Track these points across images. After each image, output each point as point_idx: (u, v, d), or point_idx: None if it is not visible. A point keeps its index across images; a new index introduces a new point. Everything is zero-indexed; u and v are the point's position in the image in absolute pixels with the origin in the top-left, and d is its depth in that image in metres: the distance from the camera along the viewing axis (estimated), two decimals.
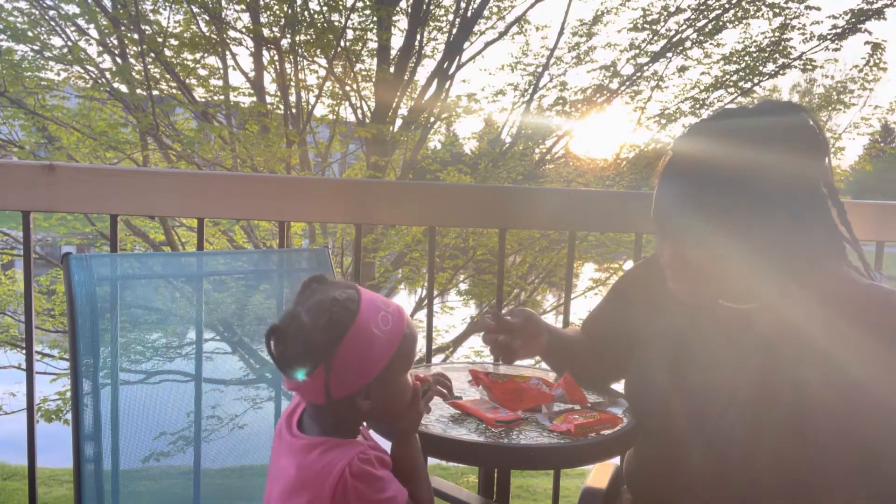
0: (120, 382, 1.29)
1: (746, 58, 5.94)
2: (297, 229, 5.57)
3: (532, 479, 6.17)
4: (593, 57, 6.19)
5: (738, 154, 1.04)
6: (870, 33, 5.71)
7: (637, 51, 6.01)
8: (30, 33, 4.75)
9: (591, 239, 5.80)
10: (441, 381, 1.20)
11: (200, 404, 1.42)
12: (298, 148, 5.40)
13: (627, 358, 1.31)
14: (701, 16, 5.86)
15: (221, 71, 5.78)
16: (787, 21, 5.78)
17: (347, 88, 5.69)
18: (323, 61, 5.38)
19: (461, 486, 1.40)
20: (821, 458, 1.01)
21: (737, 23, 5.88)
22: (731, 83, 5.97)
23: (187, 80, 5.30)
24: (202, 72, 5.57)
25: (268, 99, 5.87)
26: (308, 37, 5.26)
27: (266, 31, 5.42)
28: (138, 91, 4.82)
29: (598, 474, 1.37)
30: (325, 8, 5.35)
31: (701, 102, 6.04)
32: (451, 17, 6.14)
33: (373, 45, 5.94)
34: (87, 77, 5.28)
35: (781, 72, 5.95)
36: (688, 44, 5.94)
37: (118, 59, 5.26)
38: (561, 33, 6.15)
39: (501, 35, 6.33)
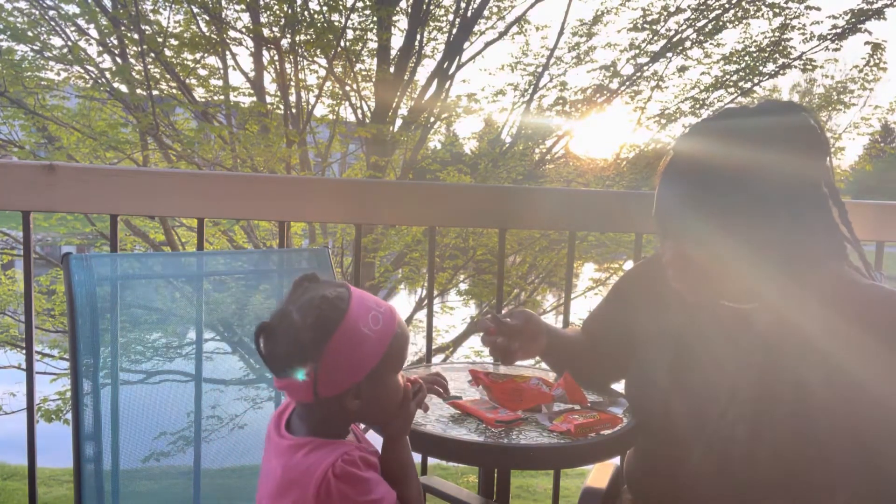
0: (120, 382, 1.29)
1: (746, 58, 5.94)
2: (297, 229, 5.57)
3: (532, 479, 6.17)
4: (593, 57, 6.20)
5: (739, 154, 1.04)
6: (870, 33, 5.72)
7: (637, 51, 6.01)
8: (30, 33, 4.75)
9: (591, 239, 5.80)
10: (437, 380, 1.20)
11: (200, 404, 1.42)
12: (298, 148, 5.40)
13: (628, 358, 1.31)
14: (701, 16, 5.86)
15: (221, 71, 5.78)
16: (787, 21, 5.78)
17: (347, 88, 5.69)
18: (323, 61, 5.38)
19: (461, 486, 1.40)
20: (821, 457, 1.01)
21: (737, 23, 5.88)
22: (731, 83, 5.97)
23: (187, 80, 5.30)
24: (202, 72, 5.58)
25: (268, 99, 5.87)
26: (308, 37, 5.26)
27: (266, 31, 5.42)
28: (138, 91, 4.82)
29: (598, 474, 1.37)
30: (325, 8, 5.36)
31: (701, 102, 6.04)
32: (451, 17, 6.15)
33: (373, 45, 5.94)
34: (87, 77, 5.28)
35: (781, 72, 5.95)
36: (688, 44, 5.94)
37: (118, 59, 5.26)
38: (561, 33, 6.16)
39: (501, 35, 6.33)
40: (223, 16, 5.53)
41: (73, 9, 5.02)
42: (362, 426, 1.05)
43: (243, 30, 5.57)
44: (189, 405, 1.41)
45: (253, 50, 5.78)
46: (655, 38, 5.95)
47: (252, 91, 5.86)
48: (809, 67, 5.90)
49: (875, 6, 5.52)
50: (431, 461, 2.01)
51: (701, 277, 1.10)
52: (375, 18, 5.63)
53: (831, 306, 1.03)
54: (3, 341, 5.55)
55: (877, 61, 5.95)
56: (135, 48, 5.04)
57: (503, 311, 1.52)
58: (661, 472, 1.19)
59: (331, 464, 0.88)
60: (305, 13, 5.31)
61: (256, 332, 0.90)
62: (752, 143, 1.04)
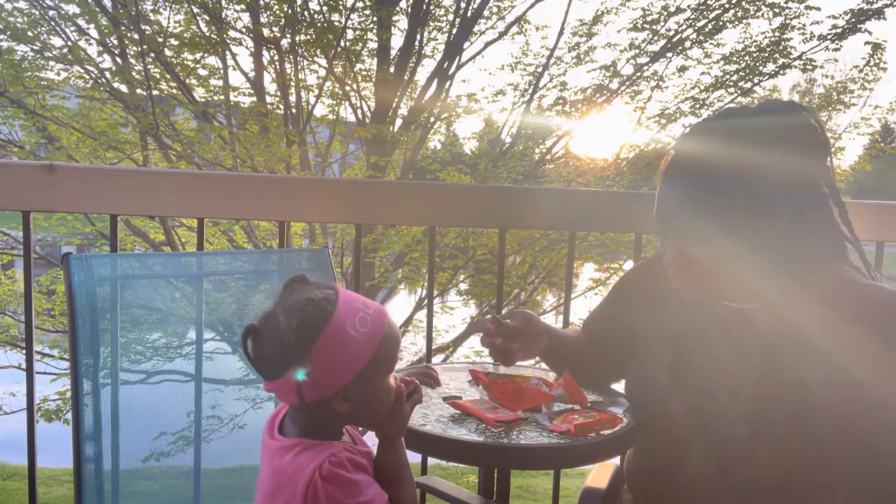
0: (120, 382, 1.29)
1: (746, 58, 5.93)
2: (297, 229, 5.57)
3: (532, 479, 6.17)
4: (593, 57, 6.20)
5: (739, 154, 1.04)
6: (870, 33, 5.71)
7: (637, 51, 6.01)
8: (30, 33, 4.75)
9: (591, 239, 5.80)
10: (426, 373, 1.19)
11: (200, 404, 1.42)
12: (298, 148, 5.40)
13: (628, 358, 1.31)
14: (701, 16, 5.86)
15: (221, 71, 5.78)
16: (787, 21, 5.78)
17: (347, 88, 5.69)
18: (323, 61, 5.38)
19: (461, 486, 1.40)
20: (821, 457, 1.01)
21: (737, 23, 5.88)
22: (731, 83, 5.97)
23: (187, 80, 5.30)
24: (202, 72, 5.57)
25: (268, 99, 5.87)
26: (308, 37, 5.26)
27: (266, 31, 5.42)
28: (138, 91, 4.82)
29: (598, 474, 1.37)
30: (325, 8, 5.36)
31: (701, 102, 6.04)
32: (451, 17, 6.14)
33: (373, 45, 5.94)
34: (87, 77, 5.28)
35: (781, 72, 5.95)
36: (688, 44, 5.94)
37: (118, 59, 5.26)
38: (561, 33, 6.16)
39: (501, 35, 6.33)
40: (223, 16, 5.53)
41: (73, 9, 5.02)
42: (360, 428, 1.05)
43: (243, 30, 5.57)
44: (189, 405, 1.41)
45: (253, 50, 5.78)
46: (655, 38, 5.95)
47: (252, 91, 5.86)
48: (809, 67, 5.90)
49: (875, 6, 5.52)
50: (431, 461, 2.01)
51: (702, 277, 1.10)
52: (375, 18, 5.63)
53: (832, 306, 1.03)
54: (3, 341, 5.55)
55: (877, 61, 5.95)
56: (135, 48, 5.04)
57: (503, 312, 1.52)
58: (661, 472, 1.19)
59: (318, 465, 0.87)
60: (305, 13, 5.31)
61: (243, 335, 0.89)
62: (753, 143, 1.04)
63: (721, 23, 5.83)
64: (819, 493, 1.02)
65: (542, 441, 1.10)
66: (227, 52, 5.68)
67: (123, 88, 4.95)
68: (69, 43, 5.09)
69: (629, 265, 4.68)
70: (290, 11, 5.13)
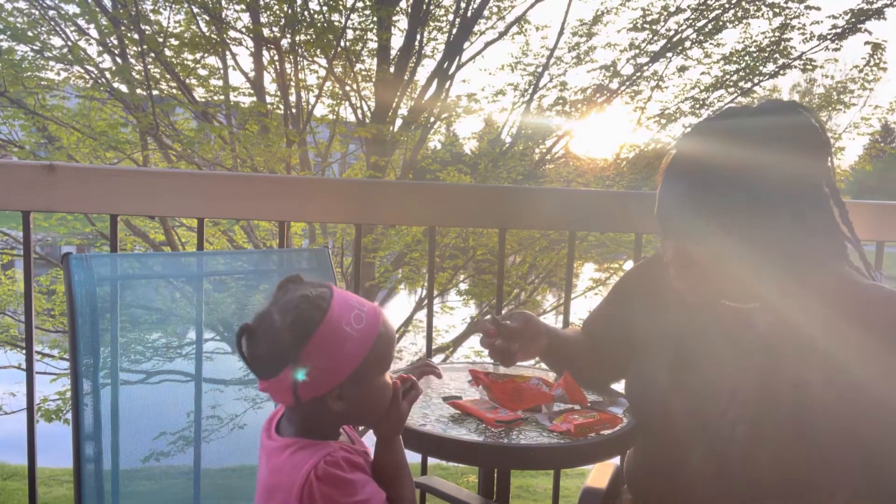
0: (120, 382, 1.29)
1: (746, 58, 5.93)
2: (297, 229, 5.57)
3: (532, 479, 6.17)
4: (593, 57, 6.20)
5: (740, 153, 1.04)
6: (870, 33, 5.71)
7: (637, 51, 6.01)
8: (30, 33, 4.75)
9: (591, 239, 5.80)
10: (425, 370, 1.19)
11: (200, 404, 1.42)
12: (298, 148, 5.40)
13: (628, 358, 1.31)
14: (701, 16, 5.85)
15: (221, 71, 5.78)
16: (787, 21, 5.78)
17: (347, 88, 5.69)
18: (323, 61, 5.38)
19: (461, 486, 1.40)
20: (822, 458, 1.01)
21: (737, 23, 5.88)
22: (731, 83, 5.97)
23: (187, 80, 5.29)
24: (202, 72, 5.57)
25: (268, 99, 5.87)
26: (308, 37, 5.25)
27: (266, 31, 5.42)
28: (138, 91, 4.82)
29: (598, 474, 1.37)
30: (325, 8, 5.35)
31: (701, 102, 6.04)
32: (451, 17, 6.14)
33: (373, 45, 5.94)
34: (87, 77, 5.28)
35: (781, 72, 5.95)
36: (688, 44, 5.94)
37: (118, 59, 5.26)
38: (561, 33, 6.16)
39: (501, 35, 6.33)
40: (223, 16, 5.52)
41: (73, 9, 5.02)
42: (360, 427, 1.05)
43: (243, 30, 5.57)
44: (189, 405, 1.41)
45: (253, 50, 5.78)
46: (655, 38, 5.95)
47: (252, 91, 5.86)
48: (809, 67, 5.90)
49: (875, 6, 5.52)
50: (431, 461, 2.01)
51: (702, 277, 1.10)
52: (375, 18, 5.63)
53: (832, 306, 1.03)
54: (3, 341, 5.55)
55: (877, 61, 5.95)
56: (135, 48, 5.04)
57: (503, 312, 1.52)
58: (661, 473, 1.19)
59: (313, 465, 0.87)
60: (305, 13, 5.31)
61: (238, 334, 0.89)
62: (754, 143, 1.04)
63: (721, 23, 5.83)
64: (819, 493, 1.02)
65: (542, 441, 1.10)
66: (227, 52, 5.69)
67: (123, 88, 4.95)
68: (69, 43, 5.09)
69: (629, 265, 4.68)
70: (290, 11, 5.13)
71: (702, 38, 5.91)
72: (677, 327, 1.21)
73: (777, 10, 5.73)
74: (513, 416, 1.16)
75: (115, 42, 5.21)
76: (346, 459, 0.90)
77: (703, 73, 6.09)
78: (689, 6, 5.85)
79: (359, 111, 5.91)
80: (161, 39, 4.99)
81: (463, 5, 6.02)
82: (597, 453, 1.15)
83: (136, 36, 4.76)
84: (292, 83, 5.53)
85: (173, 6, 5.30)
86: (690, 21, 5.88)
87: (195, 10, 5.28)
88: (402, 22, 5.96)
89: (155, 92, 4.83)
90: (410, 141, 6.21)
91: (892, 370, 0.97)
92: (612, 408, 1.25)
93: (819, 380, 1.01)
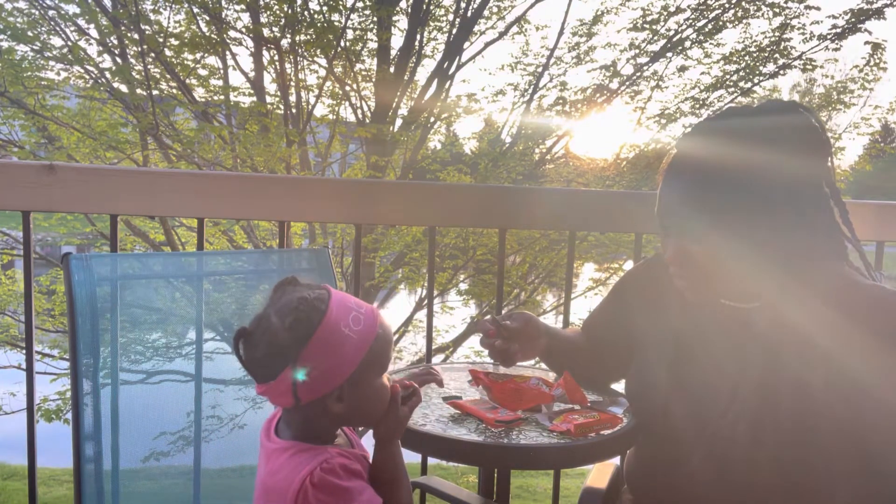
0: (120, 382, 1.29)
1: (746, 58, 5.94)
2: (297, 229, 5.57)
3: (532, 479, 6.17)
4: (593, 57, 6.20)
5: (741, 152, 1.04)
6: (870, 33, 5.72)
7: (637, 51, 6.01)
8: (30, 33, 4.75)
9: (591, 239, 5.80)
10: (428, 375, 1.19)
11: (200, 404, 1.42)
12: (298, 148, 5.40)
13: (628, 358, 1.31)
14: (701, 16, 5.86)
15: (221, 71, 5.78)
16: (787, 21, 5.78)
17: (347, 88, 5.69)
18: (323, 61, 5.38)
19: (461, 486, 1.39)
20: (822, 459, 1.00)
21: (737, 23, 5.88)
22: (731, 83, 5.97)
23: (187, 80, 5.29)
24: (202, 72, 5.57)
25: (268, 99, 5.87)
26: (308, 37, 5.26)
27: (266, 31, 5.42)
28: (138, 91, 4.82)
29: (598, 474, 1.37)
30: (325, 8, 5.36)
31: (701, 102, 6.04)
32: (451, 17, 6.15)
33: (373, 45, 5.94)
34: (87, 77, 5.28)
35: (781, 72, 5.95)
36: (688, 44, 5.94)
37: (118, 59, 5.26)
38: (561, 33, 6.16)
39: (501, 35, 6.33)
40: (223, 16, 5.52)
41: (73, 9, 5.02)
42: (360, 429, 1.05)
43: (243, 30, 5.57)
44: (189, 405, 1.41)
45: (253, 50, 5.78)
46: (655, 38, 5.96)
47: (252, 91, 5.86)
48: (809, 67, 5.91)
49: (875, 6, 5.52)
50: (431, 461, 2.02)
51: (702, 275, 1.10)
52: (375, 18, 5.63)
53: (832, 306, 1.03)
54: (3, 341, 5.55)
55: (877, 61, 5.95)
56: (135, 48, 5.04)
57: (503, 312, 1.52)
58: (662, 473, 1.19)
59: (309, 472, 0.87)
60: (305, 13, 5.31)
61: (235, 338, 0.89)
62: (755, 143, 1.04)
63: (721, 23, 5.84)
64: (819, 494, 1.02)
65: (542, 441, 1.10)
66: (227, 52, 5.69)
67: (123, 88, 4.95)
68: (69, 43, 5.08)
69: (629, 265, 4.68)
70: (290, 11, 5.13)
71: (702, 38, 5.91)
72: (677, 327, 1.21)
73: (777, 10, 5.73)
74: (513, 416, 1.16)
75: (115, 42, 5.21)
76: (343, 466, 0.89)
77: (703, 73, 6.10)
78: (689, 6, 5.86)
79: (359, 111, 5.91)
80: (161, 39, 4.99)
81: (463, 5, 6.02)
82: (597, 453, 1.15)
83: (136, 36, 4.76)
84: (292, 83, 5.54)
85: (173, 6, 5.30)
86: (690, 21, 5.88)
87: (195, 10, 5.28)
88: (402, 22, 5.97)
89: (155, 92, 4.83)
90: (410, 141, 6.21)
91: (893, 370, 0.97)
92: (612, 408, 1.25)
93: (819, 380, 1.01)
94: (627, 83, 6.11)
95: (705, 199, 1.05)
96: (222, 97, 5.72)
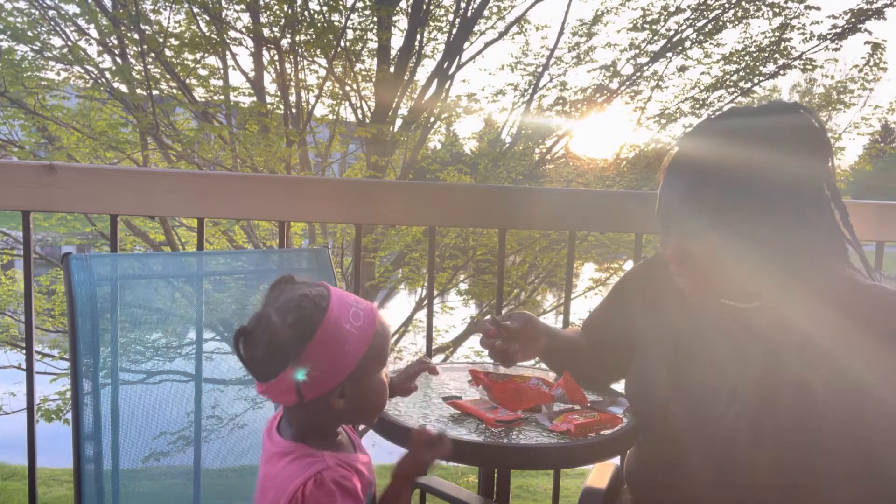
0: (120, 382, 1.29)
1: (746, 58, 5.94)
2: (297, 229, 5.57)
3: (532, 479, 6.17)
4: (593, 57, 6.20)
5: (743, 152, 1.04)
6: (870, 33, 5.72)
7: (637, 51, 6.01)
8: (30, 33, 4.74)
9: (591, 239, 5.80)
10: (422, 366, 1.20)
11: (200, 404, 1.42)
12: (298, 148, 5.40)
13: (628, 358, 1.31)
14: (701, 16, 5.86)
15: (221, 71, 5.78)
16: (787, 21, 5.78)
17: (347, 88, 5.69)
18: (323, 61, 5.38)
19: (461, 486, 1.39)
20: (822, 460, 1.00)
21: (737, 23, 5.88)
22: (731, 83, 5.97)
23: (187, 80, 5.29)
24: (202, 72, 5.57)
25: (268, 99, 5.87)
26: (308, 37, 5.25)
27: (266, 31, 5.42)
28: (138, 91, 4.82)
29: (598, 474, 1.37)
30: (325, 8, 5.35)
31: (701, 102, 6.04)
32: (451, 17, 6.14)
33: (373, 45, 5.94)
34: (87, 77, 5.28)
35: (781, 72, 5.95)
36: (688, 44, 5.94)
37: (118, 59, 5.26)
38: (561, 33, 6.16)
39: (501, 35, 6.33)
40: (223, 16, 5.52)
41: (73, 9, 5.02)
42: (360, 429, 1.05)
43: (243, 30, 5.57)
44: (189, 405, 1.41)
45: (253, 50, 5.77)
46: (655, 38, 5.95)
47: (252, 91, 5.85)
48: (809, 67, 5.91)
49: (875, 6, 5.52)
50: None
51: (702, 274, 1.10)
52: (375, 18, 5.63)
53: (833, 306, 1.03)
54: (3, 341, 5.55)
55: (877, 61, 5.95)
56: (135, 48, 5.03)
57: (503, 312, 1.52)
58: (662, 473, 1.19)
59: (302, 482, 0.86)
60: (305, 13, 5.31)
61: (235, 338, 0.89)
62: (756, 142, 1.05)
63: (721, 23, 5.84)
64: (819, 495, 1.02)
65: (542, 441, 1.10)
66: (227, 52, 5.68)
67: (123, 88, 4.94)
68: (69, 43, 5.08)
69: (629, 265, 4.68)
70: (290, 11, 5.13)
71: (702, 38, 5.91)
72: (677, 327, 1.21)
73: (777, 10, 5.73)
74: (513, 416, 1.16)
75: (115, 42, 5.20)
76: (337, 482, 0.88)
77: (703, 73, 6.10)
78: (689, 6, 5.86)
79: (359, 111, 5.91)
80: (161, 39, 4.99)
81: (463, 5, 6.02)
82: (597, 453, 1.15)
83: (136, 36, 4.76)
84: (292, 83, 5.53)
85: (173, 6, 5.30)
86: (690, 21, 5.88)
87: (195, 10, 5.28)
88: (402, 22, 5.97)
89: (155, 92, 4.83)
90: (410, 141, 6.21)
91: (893, 371, 0.97)
92: (612, 408, 1.25)
93: (820, 380, 1.01)
94: (627, 83, 6.11)
95: (706, 198, 1.05)
96: (222, 97, 5.72)
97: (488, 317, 1.34)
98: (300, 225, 5.43)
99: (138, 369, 1.36)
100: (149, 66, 4.86)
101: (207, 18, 5.40)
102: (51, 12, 5.10)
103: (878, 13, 5.51)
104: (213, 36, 5.43)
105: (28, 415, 1.54)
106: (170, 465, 1.43)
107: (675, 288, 1.17)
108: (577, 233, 2.34)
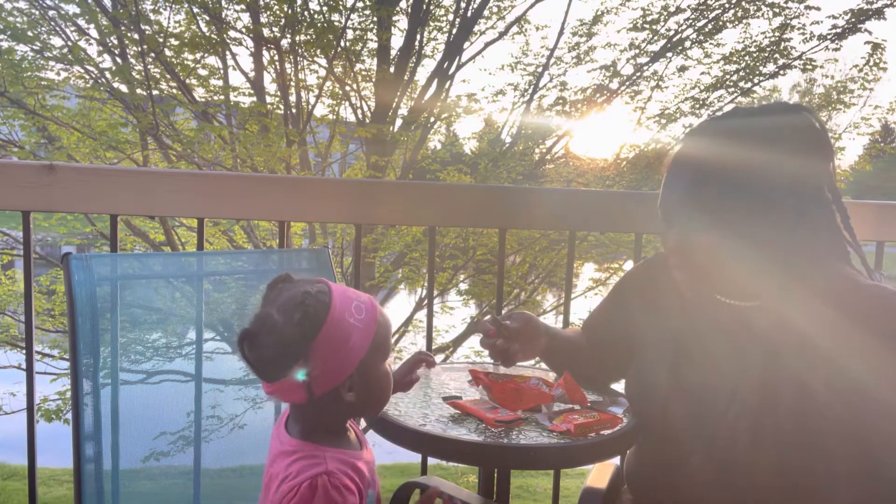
0: (120, 382, 1.29)
1: (746, 58, 5.94)
2: (297, 229, 5.57)
3: (532, 479, 6.17)
4: (593, 57, 6.20)
5: (744, 151, 1.05)
6: (870, 33, 5.72)
7: (637, 51, 6.01)
8: (30, 33, 4.75)
9: (591, 239, 5.80)
10: (420, 356, 1.20)
11: (200, 404, 1.42)
12: (298, 148, 5.40)
13: (628, 358, 1.31)
14: (701, 16, 5.86)
15: (221, 71, 5.78)
16: (787, 21, 5.78)
17: (347, 88, 5.69)
18: (323, 61, 5.38)
19: (461, 486, 1.39)
20: (822, 460, 1.00)
21: (737, 23, 5.88)
22: (731, 83, 5.97)
23: (187, 80, 5.29)
24: (202, 72, 5.57)
25: (268, 99, 5.87)
26: (308, 37, 5.25)
27: (266, 31, 5.42)
28: (138, 91, 4.82)
29: (598, 474, 1.37)
30: (325, 8, 5.35)
31: (701, 102, 6.04)
32: (451, 17, 6.14)
33: (373, 45, 5.94)
34: (87, 77, 5.28)
35: (781, 72, 5.95)
36: (688, 44, 5.94)
37: (118, 59, 5.26)
38: (561, 33, 6.16)
39: (501, 35, 6.33)
40: (223, 16, 5.52)
41: (73, 9, 5.02)
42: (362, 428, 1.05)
43: (243, 30, 5.57)
44: (189, 405, 1.41)
45: (253, 50, 5.77)
46: (655, 38, 5.96)
47: (252, 91, 5.85)
48: (809, 67, 5.91)
49: (875, 6, 5.52)
50: (431, 461, 2.01)
51: (702, 269, 1.10)
52: (375, 18, 5.63)
53: (833, 306, 1.03)
54: (3, 341, 5.55)
55: (877, 61, 5.95)
56: (135, 48, 5.03)
57: (503, 312, 1.52)
58: (661, 473, 1.19)
59: (297, 483, 0.86)
60: (305, 13, 5.31)
61: (239, 341, 0.88)
62: (757, 142, 1.05)
63: (721, 23, 5.84)
64: (819, 495, 1.02)
65: (542, 441, 1.10)
66: (227, 52, 5.68)
67: (123, 88, 4.94)
68: (69, 43, 5.08)
69: (629, 265, 4.68)
70: (290, 11, 5.13)
71: (702, 38, 5.91)
72: (677, 328, 1.21)
73: (777, 10, 5.74)
74: (513, 416, 1.16)
75: (115, 42, 5.20)
76: (335, 486, 0.87)
77: (703, 73, 6.10)
78: (689, 6, 5.86)
79: (359, 111, 5.91)
80: (161, 39, 4.99)
81: (463, 5, 6.02)
82: (597, 453, 1.15)
83: (136, 36, 4.76)
84: (292, 83, 5.53)
85: (173, 6, 5.30)
86: (690, 21, 5.88)
87: (195, 10, 5.28)
88: (402, 22, 5.97)
89: (155, 92, 4.83)
90: (410, 141, 6.21)
91: (894, 371, 0.97)
92: (612, 408, 1.25)
93: (820, 380, 1.01)
94: (627, 83, 6.11)
95: (706, 198, 1.06)
96: (222, 97, 5.72)
97: (488, 317, 1.34)
98: (300, 225, 5.43)
99: (138, 369, 1.36)
100: (149, 66, 4.86)
101: (207, 18, 5.40)
102: (51, 12, 5.11)
103: (878, 13, 5.51)
104: (213, 36, 5.43)
105: (28, 415, 1.54)
106: (170, 465, 1.43)
107: (675, 288, 1.17)
108: (577, 233, 2.34)
